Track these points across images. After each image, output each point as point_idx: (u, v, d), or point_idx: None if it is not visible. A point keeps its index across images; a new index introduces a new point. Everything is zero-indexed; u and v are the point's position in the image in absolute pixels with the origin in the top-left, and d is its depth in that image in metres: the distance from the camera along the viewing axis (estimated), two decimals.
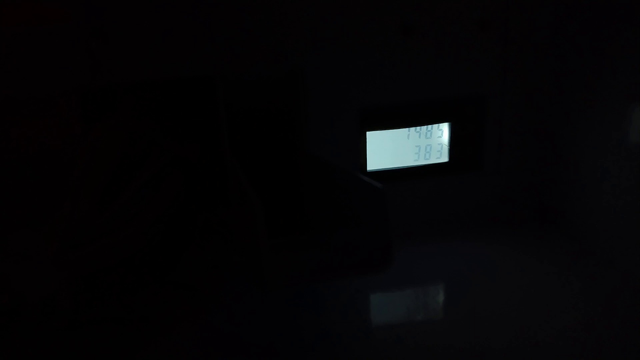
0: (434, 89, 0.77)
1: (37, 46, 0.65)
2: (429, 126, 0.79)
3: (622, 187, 0.69)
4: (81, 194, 0.63)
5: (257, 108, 0.74)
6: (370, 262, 0.56)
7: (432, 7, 0.73)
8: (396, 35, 0.73)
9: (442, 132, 0.79)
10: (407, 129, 0.78)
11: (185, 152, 0.71)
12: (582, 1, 0.72)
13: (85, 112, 0.67)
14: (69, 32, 0.65)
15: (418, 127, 0.78)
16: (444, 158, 0.80)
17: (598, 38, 0.71)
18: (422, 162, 0.80)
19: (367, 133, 0.77)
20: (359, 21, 0.72)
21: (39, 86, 0.66)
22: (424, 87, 0.77)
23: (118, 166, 0.67)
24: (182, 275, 0.70)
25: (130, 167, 0.68)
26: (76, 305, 0.61)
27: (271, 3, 0.69)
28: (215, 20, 0.69)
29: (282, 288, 0.52)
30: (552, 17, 0.76)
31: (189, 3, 0.67)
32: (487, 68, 0.77)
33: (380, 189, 0.55)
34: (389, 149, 0.79)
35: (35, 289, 0.59)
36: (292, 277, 0.55)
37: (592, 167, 0.74)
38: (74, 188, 0.63)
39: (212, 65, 0.70)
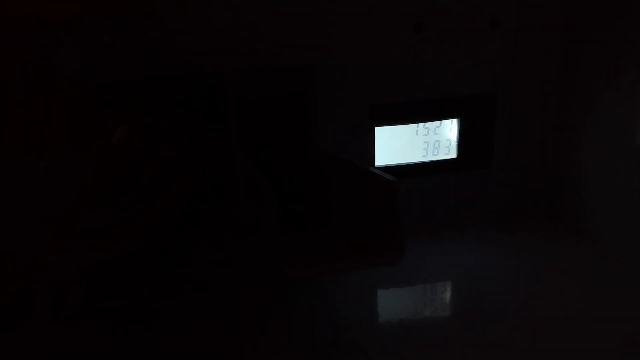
0: (443, 86, 0.77)
1: (49, 40, 0.65)
2: (438, 122, 0.79)
3: (631, 186, 0.69)
4: (94, 185, 0.64)
5: (268, 103, 0.74)
6: (382, 254, 0.56)
7: (443, 5, 0.73)
8: (407, 33, 0.74)
9: (451, 128, 0.80)
10: (415, 124, 0.78)
11: (195, 146, 0.71)
12: (592, 1, 0.73)
13: (98, 105, 0.67)
14: (81, 26, 0.66)
15: (427, 123, 0.79)
16: (453, 154, 0.81)
17: (607, 38, 0.71)
18: (430, 158, 0.80)
19: (376, 128, 0.77)
20: (370, 18, 0.73)
21: (51, 80, 0.66)
22: (434, 83, 0.77)
23: (130, 159, 0.67)
24: (191, 268, 0.70)
25: (142, 160, 0.68)
26: (86, 296, 0.61)
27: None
28: (228, 16, 0.69)
29: (296, 274, 0.53)
30: (562, 16, 0.76)
31: None
32: (498, 66, 0.78)
33: (393, 181, 0.56)
34: (398, 145, 0.79)
35: (46, 279, 0.59)
36: (304, 267, 0.56)
37: (601, 165, 0.75)
38: (87, 180, 0.63)
39: (223, 61, 0.70)
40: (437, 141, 0.80)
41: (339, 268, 0.56)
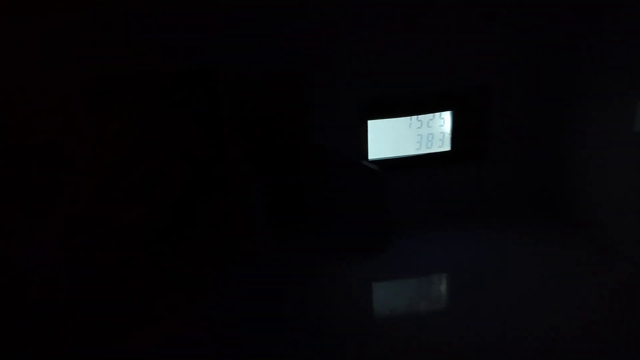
0: (436, 78, 0.77)
1: (42, 36, 0.66)
2: (431, 115, 0.79)
3: (625, 178, 0.69)
4: (86, 181, 0.64)
5: (260, 98, 0.74)
6: (369, 244, 0.56)
7: None
8: (399, 24, 0.74)
9: (444, 120, 0.79)
10: (408, 117, 0.78)
11: (188, 142, 0.72)
12: None
13: (90, 102, 0.68)
14: (74, 22, 0.66)
15: (420, 116, 0.78)
16: (446, 147, 0.80)
17: (602, 28, 0.71)
18: (423, 151, 0.80)
19: (369, 122, 0.77)
20: (362, 10, 0.72)
21: (44, 76, 0.67)
22: (426, 76, 0.77)
23: (122, 155, 0.68)
24: (183, 261, 0.70)
25: (134, 156, 0.68)
26: (76, 289, 0.61)
27: None
28: (221, 9, 0.69)
29: (278, 263, 0.53)
30: (555, 6, 0.76)
31: None
32: (491, 58, 0.77)
33: (378, 171, 0.56)
34: (391, 138, 0.79)
35: (36, 272, 0.60)
36: (291, 260, 0.56)
37: (595, 157, 0.74)
38: (79, 175, 0.64)
39: (215, 57, 0.70)
40: (430, 134, 0.80)
41: (326, 260, 0.56)
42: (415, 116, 0.78)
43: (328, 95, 0.75)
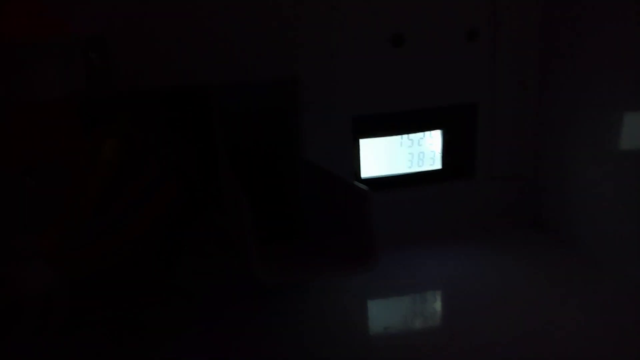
0: (425, 98, 0.78)
1: (36, 55, 0.67)
2: (421, 133, 0.80)
3: (611, 193, 0.70)
4: (80, 198, 0.65)
5: (254, 117, 0.75)
6: (357, 261, 0.56)
7: (422, 18, 0.75)
8: (388, 46, 0.75)
9: (434, 139, 0.81)
10: (399, 136, 0.79)
11: (180, 159, 0.73)
12: (569, 9, 0.74)
13: (84, 120, 0.69)
14: (67, 42, 0.67)
15: (410, 135, 0.80)
16: (437, 165, 0.82)
17: (587, 46, 0.72)
18: (415, 169, 0.81)
19: (360, 140, 0.78)
20: (352, 32, 0.74)
21: (38, 95, 0.68)
22: (416, 95, 0.78)
23: (116, 172, 0.68)
24: (178, 280, 0.71)
25: (128, 173, 0.69)
26: (72, 307, 0.62)
27: (268, 15, 0.71)
28: (213, 31, 0.71)
29: (271, 281, 0.53)
30: (540, 25, 0.77)
31: (186, 14, 0.69)
32: (477, 77, 0.79)
33: (366, 190, 0.57)
34: (383, 157, 0.80)
35: (32, 289, 0.60)
36: (281, 275, 0.56)
37: (582, 173, 0.75)
38: (74, 193, 0.65)
39: (209, 75, 0.72)
40: (421, 152, 0.81)
41: (314, 276, 0.56)
42: (406, 135, 0.80)
43: (321, 114, 0.76)
